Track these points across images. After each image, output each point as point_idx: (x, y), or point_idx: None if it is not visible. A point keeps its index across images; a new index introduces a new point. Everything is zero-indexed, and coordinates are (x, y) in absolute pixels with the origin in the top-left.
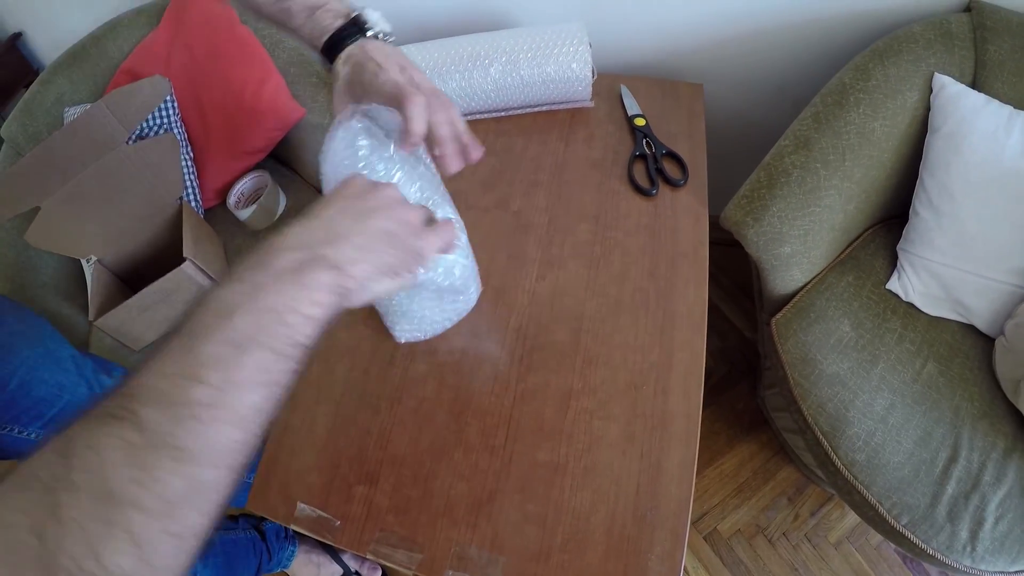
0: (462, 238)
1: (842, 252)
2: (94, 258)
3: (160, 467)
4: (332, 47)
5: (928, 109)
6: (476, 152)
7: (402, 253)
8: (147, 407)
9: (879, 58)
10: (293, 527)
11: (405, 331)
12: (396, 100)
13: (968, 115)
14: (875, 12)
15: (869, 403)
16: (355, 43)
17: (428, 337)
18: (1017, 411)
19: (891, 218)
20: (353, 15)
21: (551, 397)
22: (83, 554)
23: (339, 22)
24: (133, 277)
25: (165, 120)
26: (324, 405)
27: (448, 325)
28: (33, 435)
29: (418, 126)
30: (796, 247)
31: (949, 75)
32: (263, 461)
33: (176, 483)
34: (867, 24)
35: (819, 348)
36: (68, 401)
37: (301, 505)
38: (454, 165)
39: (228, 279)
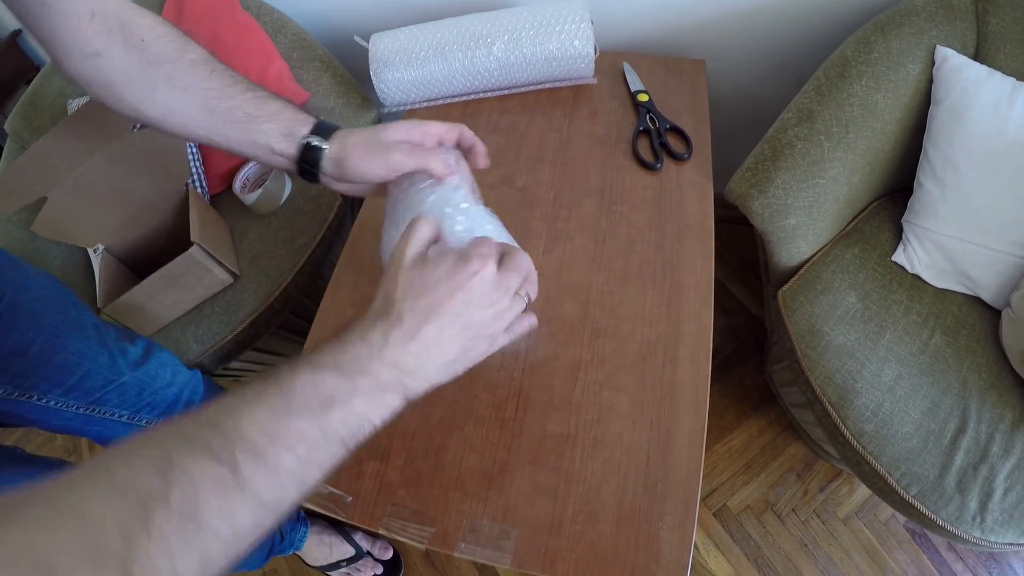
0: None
1: (847, 225)
2: (101, 247)
3: (242, 510)
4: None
5: (931, 81)
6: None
7: (484, 346)
8: (245, 457)
9: (881, 31)
10: (305, 505)
11: None
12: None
13: (971, 87)
14: None
15: (877, 374)
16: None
17: None
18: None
19: (895, 191)
20: (313, 120)
21: (560, 369)
22: (164, 563)
23: (307, 127)
24: (140, 264)
25: None
26: None
27: None
28: (52, 403)
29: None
30: (801, 219)
31: (951, 47)
32: None
33: (248, 523)
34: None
35: (826, 319)
36: (88, 369)
37: None
38: (482, 160)
39: (331, 360)
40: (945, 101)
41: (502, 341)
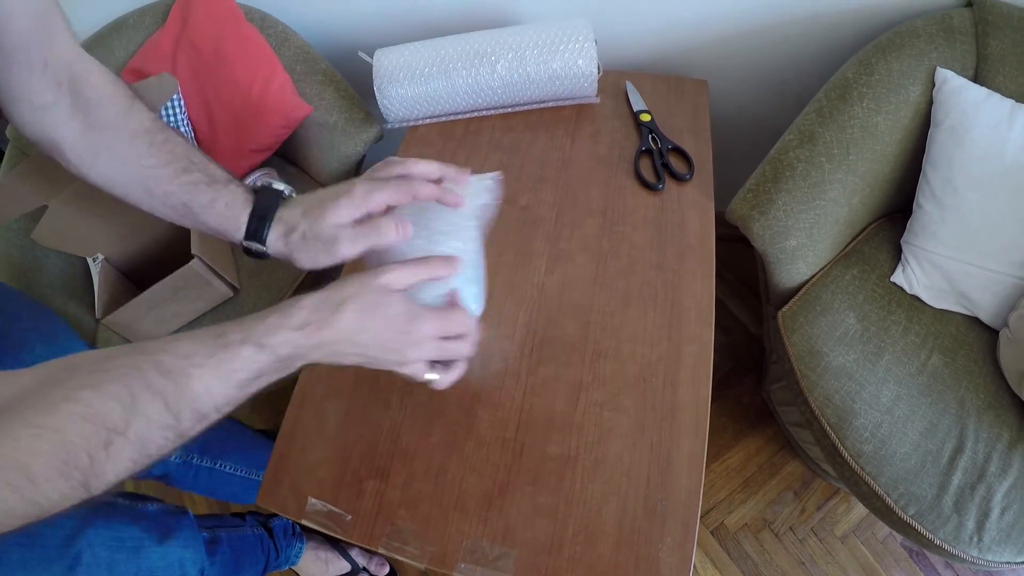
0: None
1: (846, 246)
2: (101, 256)
3: (175, 446)
4: (260, 221)
5: (931, 103)
6: (464, 176)
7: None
8: (191, 413)
9: (882, 53)
10: (304, 522)
11: None
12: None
13: (970, 109)
14: (877, 8)
15: (875, 395)
16: (285, 207)
17: None
18: (1022, 402)
19: (894, 212)
20: (259, 186)
21: (561, 390)
22: (112, 477)
23: (252, 196)
24: (139, 276)
25: (172, 118)
26: (334, 400)
27: None
28: None
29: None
30: (801, 240)
31: (951, 69)
32: (273, 457)
33: (172, 451)
34: (869, 20)
35: (825, 340)
36: None
37: (312, 500)
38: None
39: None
40: (945, 123)
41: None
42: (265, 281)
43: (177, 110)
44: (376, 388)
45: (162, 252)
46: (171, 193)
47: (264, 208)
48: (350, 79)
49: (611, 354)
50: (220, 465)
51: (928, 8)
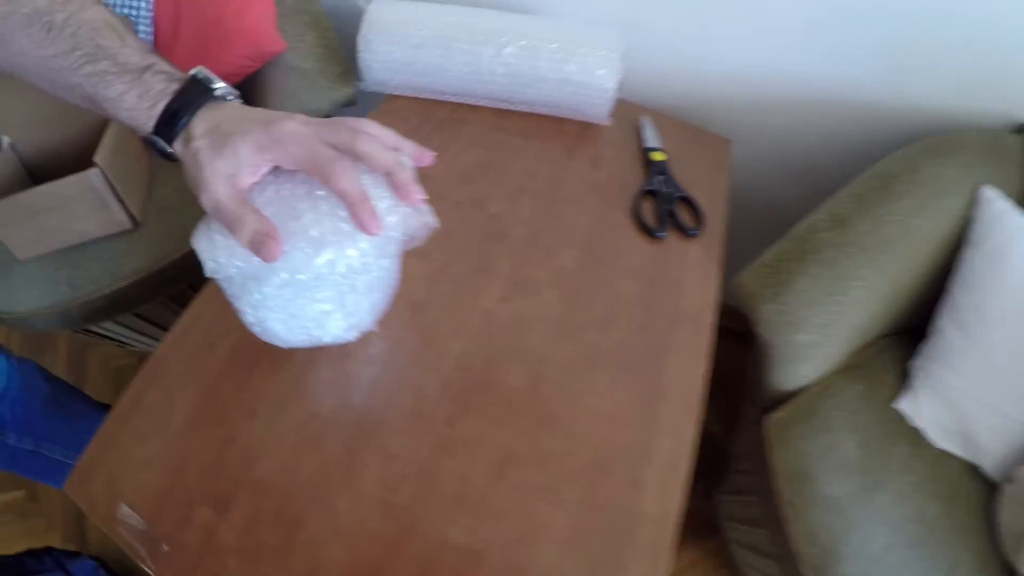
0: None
1: (853, 357)
2: (7, 140)
3: None
4: (172, 118)
5: (969, 220)
6: (427, 158)
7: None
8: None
9: (931, 154)
10: (108, 532)
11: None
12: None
13: (1014, 235)
14: (926, 111)
15: (866, 539)
16: (208, 109)
17: (288, 345)
18: (1013, 571)
19: (902, 332)
20: (190, 75)
21: (485, 456)
22: None
23: (174, 86)
24: (48, 178)
25: (134, 11)
26: (190, 388)
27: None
28: None
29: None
30: (814, 338)
31: (998, 189)
32: (97, 438)
33: None
34: (913, 123)
35: (819, 464)
36: None
37: (125, 508)
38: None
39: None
40: (984, 244)
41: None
42: (171, 223)
43: (142, 4)
44: (244, 388)
45: (76, 157)
46: (76, 86)
47: (183, 103)
48: (340, 31)
49: (562, 425)
50: (46, 449)
51: (976, 123)
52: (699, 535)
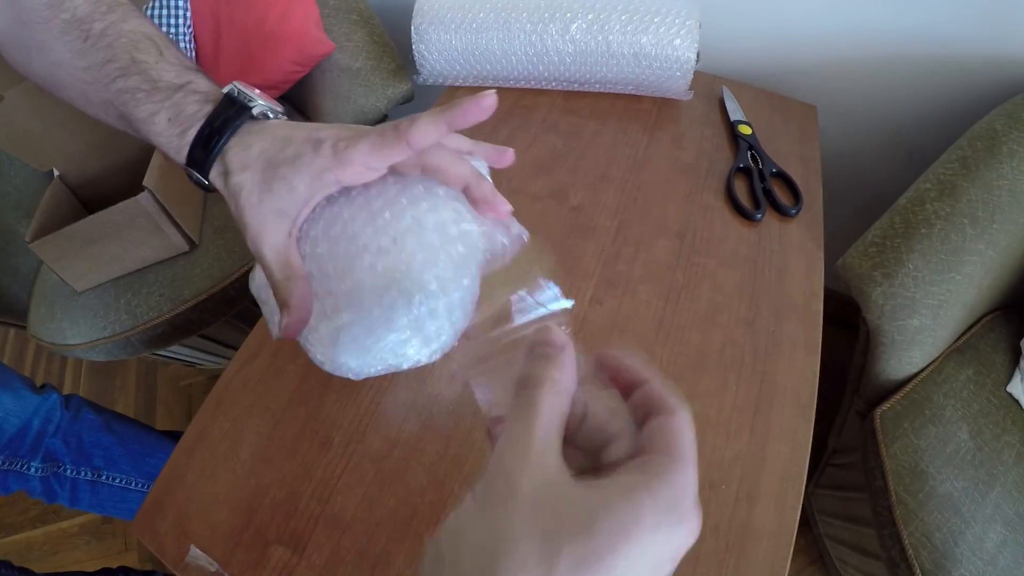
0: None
1: (960, 337)
2: (56, 172)
3: None
4: (204, 146)
5: None
6: (507, 158)
7: None
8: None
9: None
10: None
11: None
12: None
13: None
14: (1021, 63)
15: (980, 537)
16: (245, 134)
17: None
18: None
19: (1009, 306)
20: (223, 93)
21: None
22: None
23: (207, 108)
24: (99, 207)
25: (173, 28)
26: (259, 417)
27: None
28: None
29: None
30: (926, 321)
31: None
32: (163, 474)
33: None
34: (1007, 76)
35: (933, 458)
36: None
37: (195, 550)
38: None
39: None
40: None
41: None
42: (229, 241)
43: (180, 20)
44: (317, 415)
45: (126, 184)
46: (108, 103)
47: (215, 128)
48: (389, 26)
49: None
50: (106, 477)
51: None
52: None
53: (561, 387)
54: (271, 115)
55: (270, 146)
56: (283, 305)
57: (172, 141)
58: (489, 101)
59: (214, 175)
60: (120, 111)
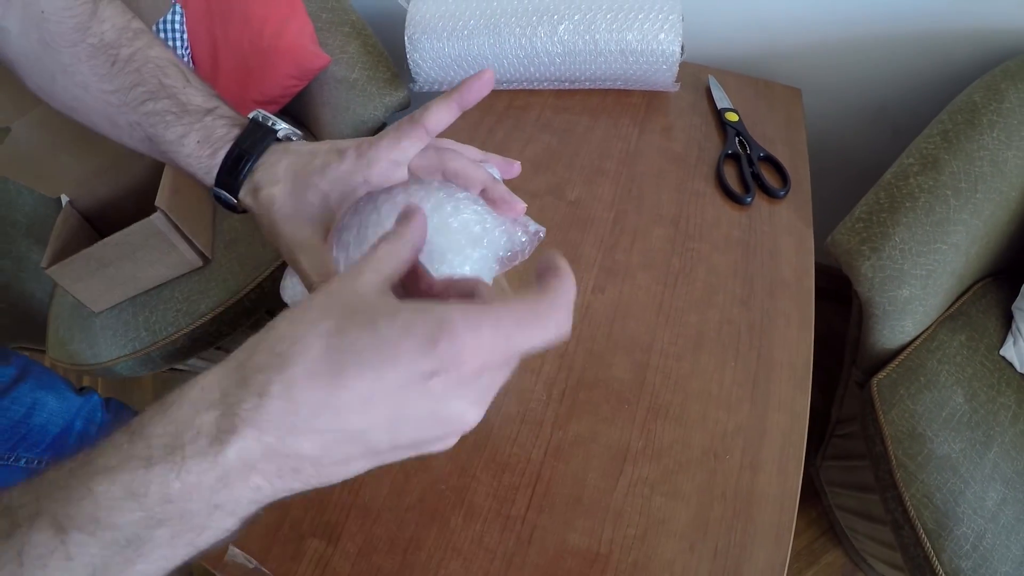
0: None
1: (951, 305)
2: (65, 199)
3: None
4: (235, 164)
5: None
6: (515, 168)
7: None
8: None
9: (1011, 79)
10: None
11: None
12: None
13: None
14: (1000, 34)
15: (980, 496)
16: (273, 152)
17: None
18: None
19: (999, 272)
20: (249, 118)
21: (598, 456)
22: None
23: (236, 131)
24: (109, 228)
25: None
26: None
27: None
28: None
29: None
30: (915, 291)
31: None
32: None
33: None
34: (987, 48)
35: (930, 422)
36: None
37: (233, 548)
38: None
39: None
40: None
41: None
42: (242, 255)
43: (178, 42)
44: None
45: (136, 205)
46: (136, 125)
47: (244, 149)
48: (381, 36)
49: (673, 414)
50: None
51: None
52: (800, 503)
53: (401, 240)
54: (294, 138)
55: (297, 160)
56: None
57: (202, 162)
58: (487, 75)
59: (243, 193)
60: (147, 132)
